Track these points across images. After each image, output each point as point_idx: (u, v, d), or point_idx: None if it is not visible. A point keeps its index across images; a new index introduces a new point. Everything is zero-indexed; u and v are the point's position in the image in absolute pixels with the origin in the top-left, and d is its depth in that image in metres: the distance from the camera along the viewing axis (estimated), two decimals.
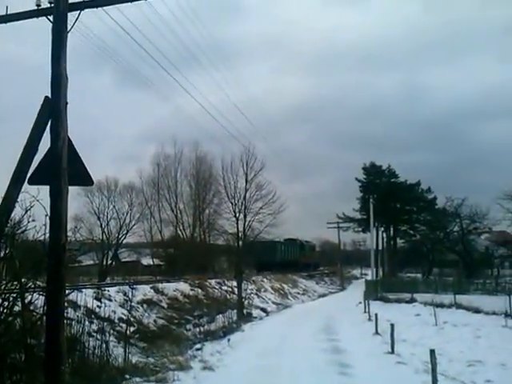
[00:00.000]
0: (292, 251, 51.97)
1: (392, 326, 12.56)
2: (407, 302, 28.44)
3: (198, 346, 13.29)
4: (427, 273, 50.06)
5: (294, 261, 50.33)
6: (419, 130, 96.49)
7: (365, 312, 22.99)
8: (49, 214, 6.47)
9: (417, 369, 9.81)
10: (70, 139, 6.83)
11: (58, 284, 6.35)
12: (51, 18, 6.50)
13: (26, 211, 6.77)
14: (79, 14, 6.66)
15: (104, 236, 40.94)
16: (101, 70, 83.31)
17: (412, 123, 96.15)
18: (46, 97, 6.56)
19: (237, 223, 23.87)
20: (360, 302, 28.66)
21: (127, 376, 8.51)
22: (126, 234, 42.95)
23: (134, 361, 10.29)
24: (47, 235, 6.67)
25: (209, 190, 44.91)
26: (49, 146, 6.58)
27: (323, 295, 43.14)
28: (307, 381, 8.99)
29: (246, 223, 24.04)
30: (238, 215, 23.82)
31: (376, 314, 16.82)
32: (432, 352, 8.03)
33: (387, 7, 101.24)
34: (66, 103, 6.64)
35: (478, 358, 11.16)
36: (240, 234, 23.91)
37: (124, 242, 44.20)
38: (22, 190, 6.52)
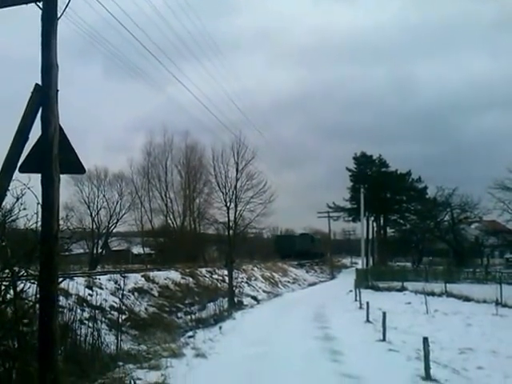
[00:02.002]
0: (305, 243, 59.49)
1: (384, 313, 12.64)
2: (398, 290, 28.82)
3: (190, 333, 13.32)
4: (417, 262, 50.64)
5: (307, 250, 57.96)
6: (409, 121, 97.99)
7: (355, 300, 23.19)
8: (40, 202, 6.41)
9: (409, 356, 9.91)
10: (61, 127, 6.75)
11: (51, 272, 6.32)
12: (41, 4, 6.38)
13: (17, 199, 6.67)
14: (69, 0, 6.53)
15: (94, 225, 40.96)
16: (91, 58, 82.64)
17: (402, 115, 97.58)
18: (37, 84, 6.46)
19: (227, 212, 23.86)
20: (350, 291, 28.93)
21: (120, 363, 8.51)
22: (117, 223, 42.86)
23: (126, 348, 10.31)
24: (39, 224, 6.62)
25: (199, 179, 45.13)
26: (40, 133, 6.51)
27: (313, 284, 43.57)
28: (299, 368, 9.01)
29: (237, 212, 24.08)
30: (228, 204, 23.79)
31: (367, 302, 16.98)
32: (425, 339, 8.14)
33: (378, 1, 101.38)
34: (57, 91, 6.55)
35: (469, 346, 11.28)
36: (231, 224, 23.93)
37: (114, 230, 44.17)
38: (13, 178, 6.44)
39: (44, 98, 6.43)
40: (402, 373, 8.45)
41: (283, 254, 51.56)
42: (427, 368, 8.06)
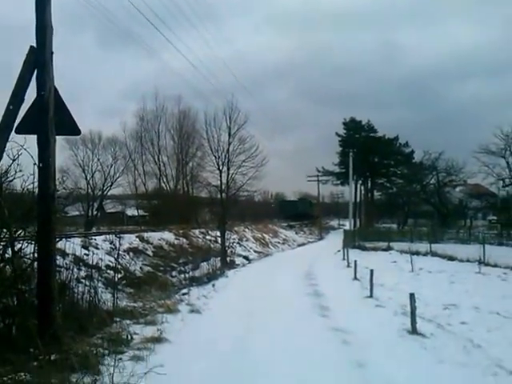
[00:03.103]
0: (305, 207, 65.94)
1: (371, 271, 12.94)
2: (384, 250, 29.42)
3: (185, 290, 13.59)
4: (402, 223, 51.70)
5: (306, 213, 64.00)
6: (396, 88, 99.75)
7: (343, 259, 23.78)
8: (37, 163, 6.46)
9: (395, 311, 10.25)
10: (56, 89, 6.75)
11: (49, 230, 6.47)
12: None
13: (14, 160, 6.70)
14: None
15: (89, 188, 41.56)
16: (85, 25, 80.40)
17: (389, 81, 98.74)
18: (32, 46, 6.42)
19: (220, 176, 24.11)
20: (338, 250, 29.60)
21: (117, 319, 8.70)
22: (111, 186, 44.08)
23: (122, 305, 10.43)
24: (35, 185, 6.69)
25: (192, 143, 45.38)
26: (35, 95, 6.49)
27: (302, 244, 44.44)
28: (290, 322, 9.32)
29: (229, 176, 24.32)
30: (221, 168, 24.03)
31: (355, 261, 17.38)
32: (412, 295, 8.41)
33: None
34: (52, 53, 6.53)
35: (453, 302, 11.56)
36: (223, 187, 24.19)
37: (109, 193, 45.33)
38: (9, 139, 6.45)
39: (39, 59, 6.41)
40: (389, 327, 8.75)
41: (287, 216, 60.84)
42: (413, 323, 8.32)
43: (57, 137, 6.75)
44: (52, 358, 5.68)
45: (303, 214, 64.29)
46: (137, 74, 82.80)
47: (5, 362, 5.36)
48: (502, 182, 39.11)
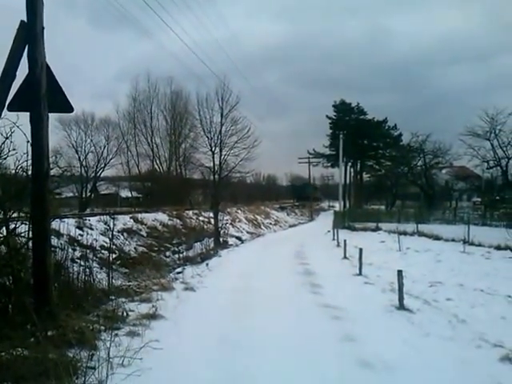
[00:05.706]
0: (309, 190, 70.12)
1: (360, 250, 13.21)
2: (373, 230, 29.73)
3: (179, 270, 13.74)
4: (390, 205, 52.30)
5: (311, 195, 67.77)
6: (385, 72, 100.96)
7: (333, 239, 24.07)
8: (30, 140, 6.43)
9: (383, 288, 10.50)
10: (48, 66, 6.66)
11: (43, 208, 6.43)
12: None
13: (6, 138, 6.66)
14: None
15: (82, 169, 41.24)
16: (77, 4, 78.74)
17: (378, 66, 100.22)
18: (22, 21, 6.30)
19: (213, 157, 24.08)
20: (328, 231, 29.94)
21: (112, 297, 8.72)
22: (104, 167, 43.67)
23: (117, 284, 10.45)
24: (29, 163, 6.65)
25: (184, 124, 45.29)
26: (27, 72, 6.42)
27: (293, 225, 44.74)
28: (282, 300, 9.47)
29: (222, 157, 24.30)
30: (213, 149, 23.97)
31: (345, 240, 17.58)
32: (399, 272, 8.62)
33: None
34: (43, 28, 6.42)
35: (438, 280, 11.83)
36: (216, 168, 24.18)
37: (102, 175, 44.87)
38: (1, 116, 6.39)
39: (30, 35, 6.29)
40: (377, 303, 8.97)
41: (298, 197, 73.57)
42: (401, 299, 8.55)
43: (49, 114, 6.68)
44: (49, 334, 5.70)
45: (309, 196, 68.24)
46: (130, 55, 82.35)
47: (2, 338, 5.37)
48: (486, 164, 39.47)
